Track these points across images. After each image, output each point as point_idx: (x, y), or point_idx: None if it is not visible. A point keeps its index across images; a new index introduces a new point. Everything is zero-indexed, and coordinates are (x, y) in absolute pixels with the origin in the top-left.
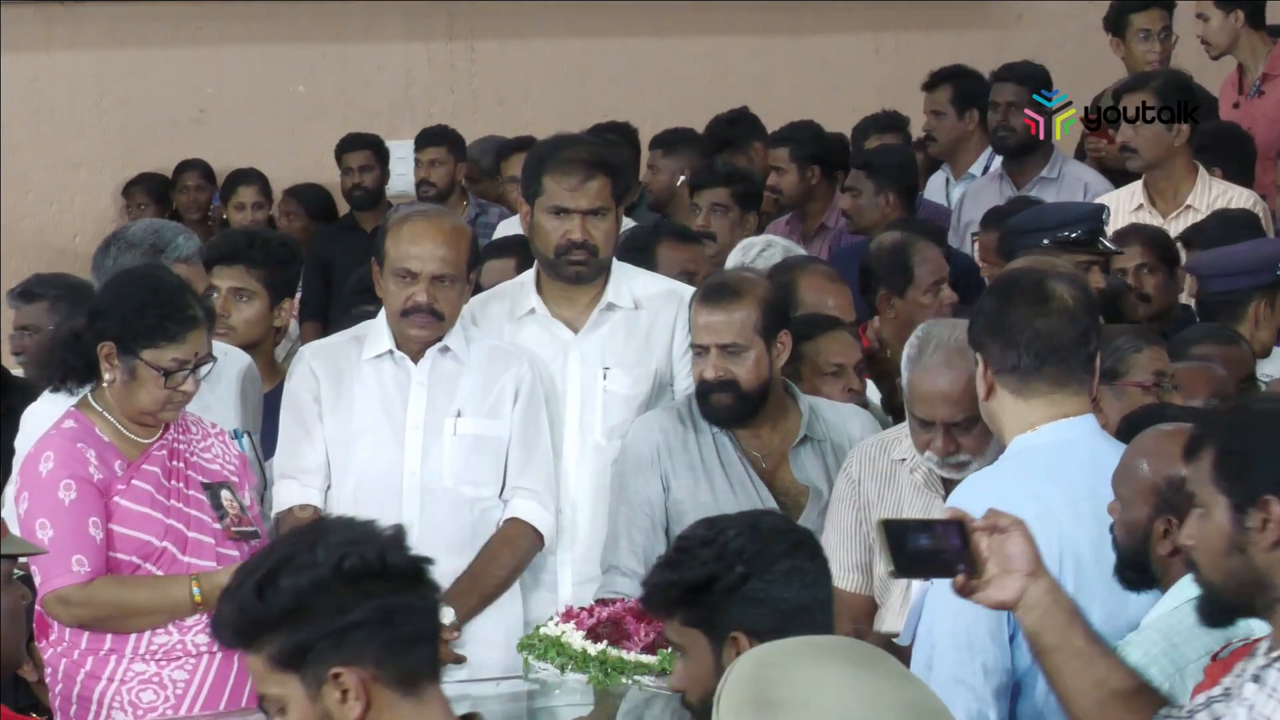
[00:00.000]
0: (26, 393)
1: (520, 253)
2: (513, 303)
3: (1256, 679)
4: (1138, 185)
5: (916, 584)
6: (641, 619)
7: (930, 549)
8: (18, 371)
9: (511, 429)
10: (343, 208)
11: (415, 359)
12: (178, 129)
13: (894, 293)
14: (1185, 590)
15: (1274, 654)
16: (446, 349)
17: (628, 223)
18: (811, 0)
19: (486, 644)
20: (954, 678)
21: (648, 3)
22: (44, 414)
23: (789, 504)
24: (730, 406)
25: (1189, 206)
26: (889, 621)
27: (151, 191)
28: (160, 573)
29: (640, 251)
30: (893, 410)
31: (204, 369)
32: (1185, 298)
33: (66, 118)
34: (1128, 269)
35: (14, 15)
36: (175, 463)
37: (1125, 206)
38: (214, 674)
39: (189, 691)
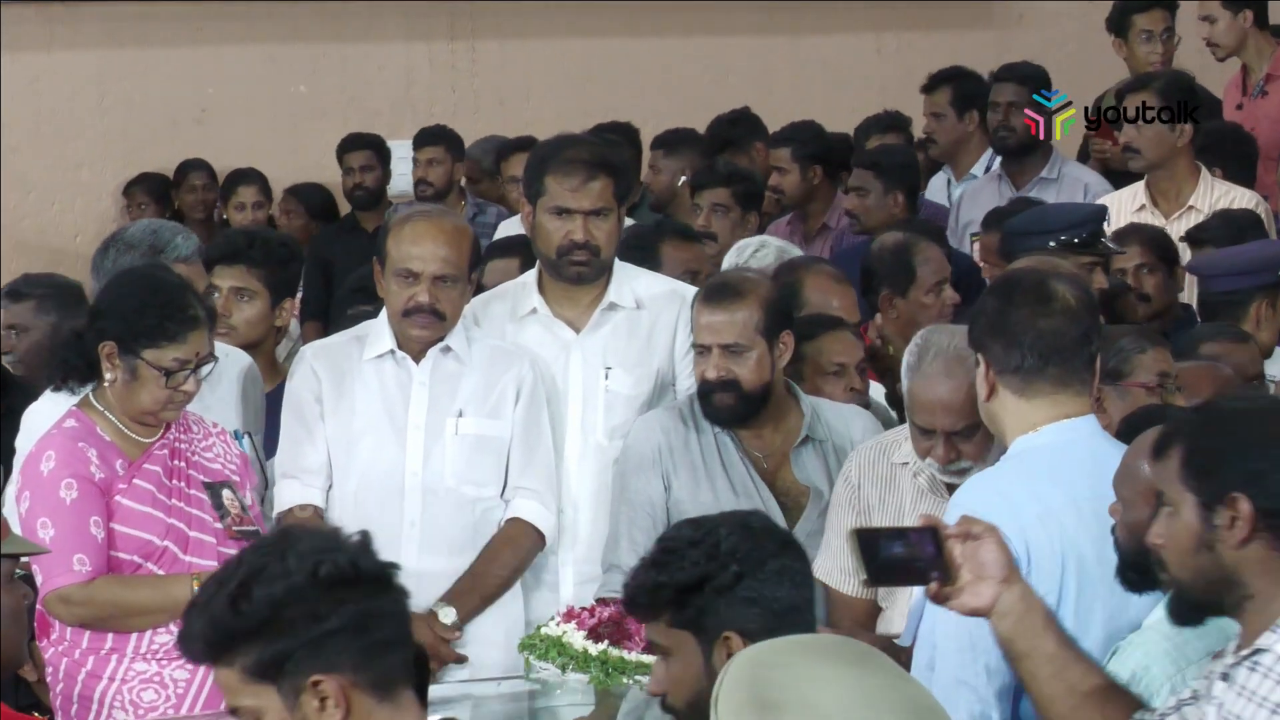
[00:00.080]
0: (27, 393)
1: (523, 253)
2: (514, 303)
3: (1225, 677)
4: (1139, 186)
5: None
6: None
7: (903, 557)
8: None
9: (513, 429)
10: (344, 207)
11: (417, 359)
12: (179, 129)
13: (896, 293)
14: None
15: (1243, 652)
16: (448, 349)
17: (629, 223)
18: (812, 0)
19: (487, 644)
20: (957, 679)
21: (649, 3)
22: (45, 414)
23: (790, 504)
24: (732, 406)
25: (1191, 207)
26: (896, 624)
27: (152, 191)
28: (161, 572)
29: (643, 251)
30: (896, 404)
31: (205, 369)
32: (1186, 298)
33: (67, 118)
34: (1127, 269)
35: (15, 15)
36: (177, 462)
37: (1127, 207)
38: None
39: (190, 691)
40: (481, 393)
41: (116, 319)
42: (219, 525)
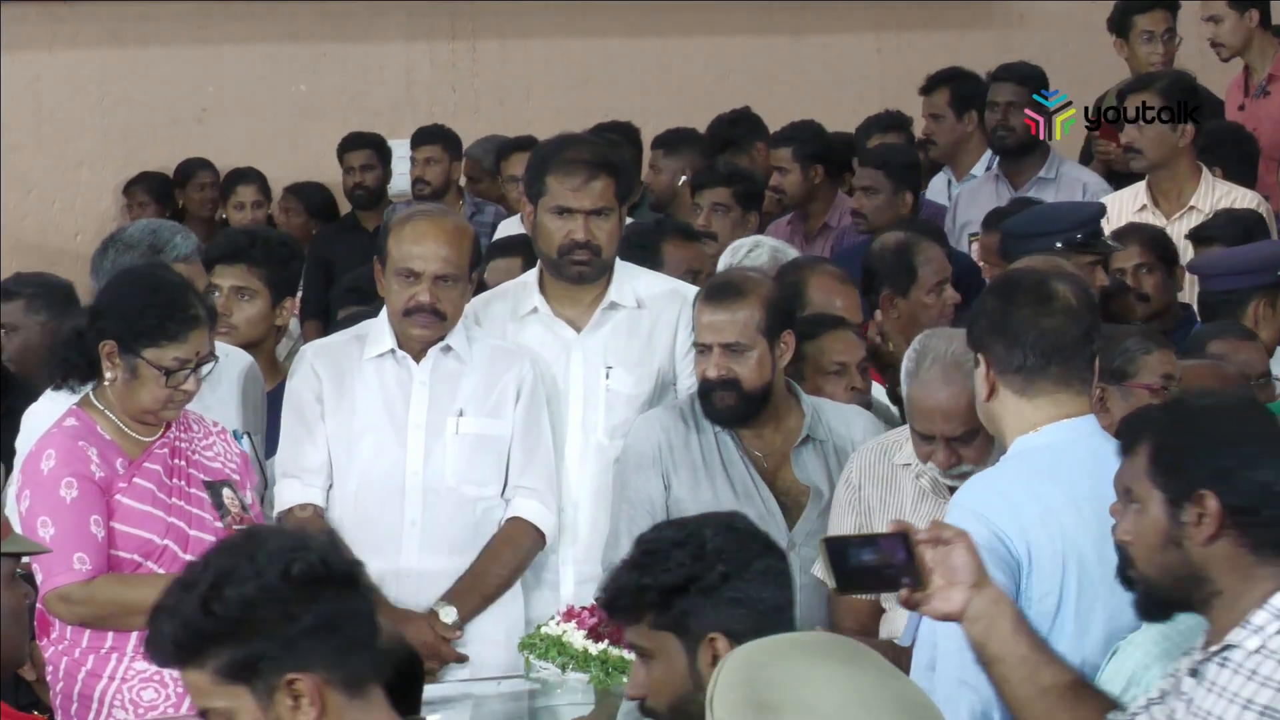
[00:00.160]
0: (27, 393)
1: (525, 252)
2: (515, 302)
3: (1194, 674)
4: (1140, 186)
5: None
6: None
7: (873, 564)
8: None
9: (513, 428)
10: (344, 207)
11: (417, 358)
12: (179, 128)
13: (897, 293)
14: None
15: (1213, 649)
16: (448, 348)
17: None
18: (813, 0)
19: (488, 643)
20: (958, 679)
21: (649, 3)
22: (45, 413)
23: (790, 504)
24: (732, 406)
25: (1192, 207)
26: (899, 625)
27: (153, 190)
28: (162, 571)
29: (644, 250)
30: (899, 400)
31: (205, 368)
32: (1187, 297)
33: (68, 117)
34: (1127, 268)
35: (16, 14)
36: (177, 461)
37: (1129, 207)
38: None
39: None
40: (482, 392)
41: (117, 318)
42: (219, 524)
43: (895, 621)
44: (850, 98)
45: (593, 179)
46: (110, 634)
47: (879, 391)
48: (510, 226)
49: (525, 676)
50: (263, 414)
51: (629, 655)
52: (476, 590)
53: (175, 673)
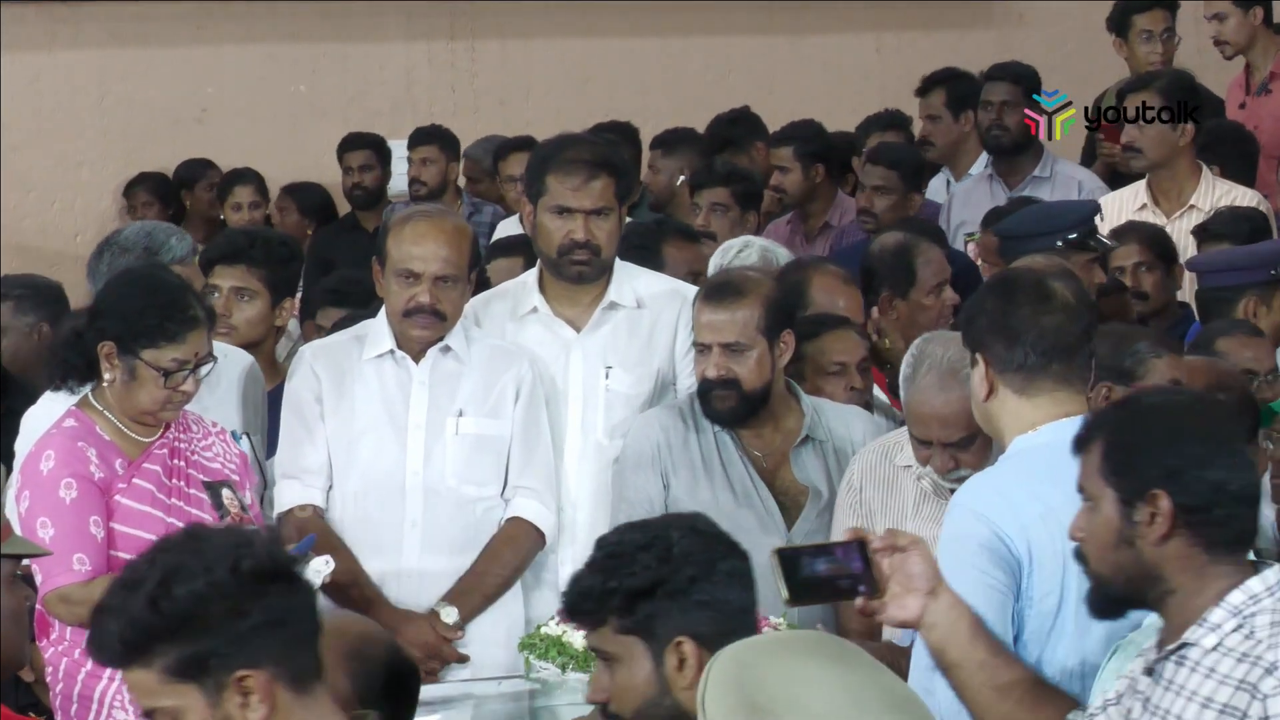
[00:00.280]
0: (26, 394)
1: (526, 252)
2: (515, 302)
3: (1150, 673)
4: (1141, 185)
5: None
6: None
7: (826, 574)
8: None
9: (513, 428)
10: (343, 207)
11: (416, 359)
12: (179, 128)
13: (897, 294)
14: None
15: (1169, 647)
16: (447, 349)
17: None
18: (813, 0)
19: (488, 643)
20: (924, 688)
21: (649, 3)
22: (44, 414)
23: (789, 504)
24: (732, 406)
25: (1192, 206)
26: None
27: (156, 190)
28: None
29: (644, 250)
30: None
31: (204, 369)
32: (1186, 296)
33: (68, 117)
34: (1126, 267)
35: (16, 14)
36: (176, 461)
37: (1129, 206)
38: None
39: None
40: (481, 392)
41: (116, 319)
42: (219, 525)
43: None
44: (850, 97)
45: (593, 179)
46: None
47: (879, 390)
48: (508, 227)
49: (525, 677)
50: (263, 414)
51: None
52: (477, 590)
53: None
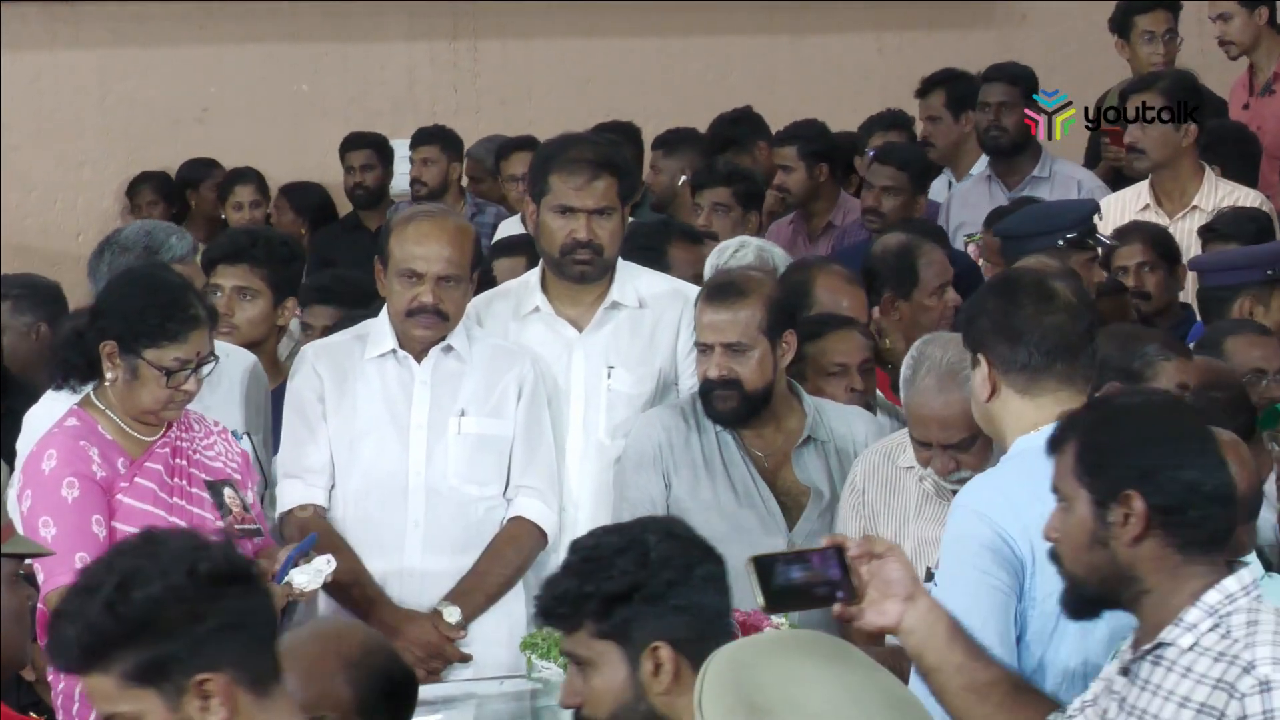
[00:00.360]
0: (28, 393)
1: (529, 251)
2: (517, 301)
3: (1125, 672)
4: (1143, 185)
5: None
6: None
7: (802, 581)
8: None
9: (515, 428)
10: (345, 206)
11: (418, 358)
12: (181, 128)
13: (899, 295)
14: None
15: (1145, 647)
16: (449, 348)
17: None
18: (814, 0)
19: (490, 643)
20: None
21: (651, 3)
22: (46, 413)
23: (790, 504)
24: (733, 406)
25: (1195, 207)
26: None
27: (160, 190)
28: None
29: (648, 250)
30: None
31: (206, 368)
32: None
33: (69, 116)
34: (1129, 266)
35: (17, 13)
36: (178, 460)
37: (1131, 206)
38: None
39: None
40: (483, 392)
41: (118, 318)
42: (220, 524)
43: None
44: (851, 97)
45: (596, 178)
46: None
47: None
48: (510, 226)
49: (527, 676)
50: (267, 414)
51: None
52: (479, 590)
53: None
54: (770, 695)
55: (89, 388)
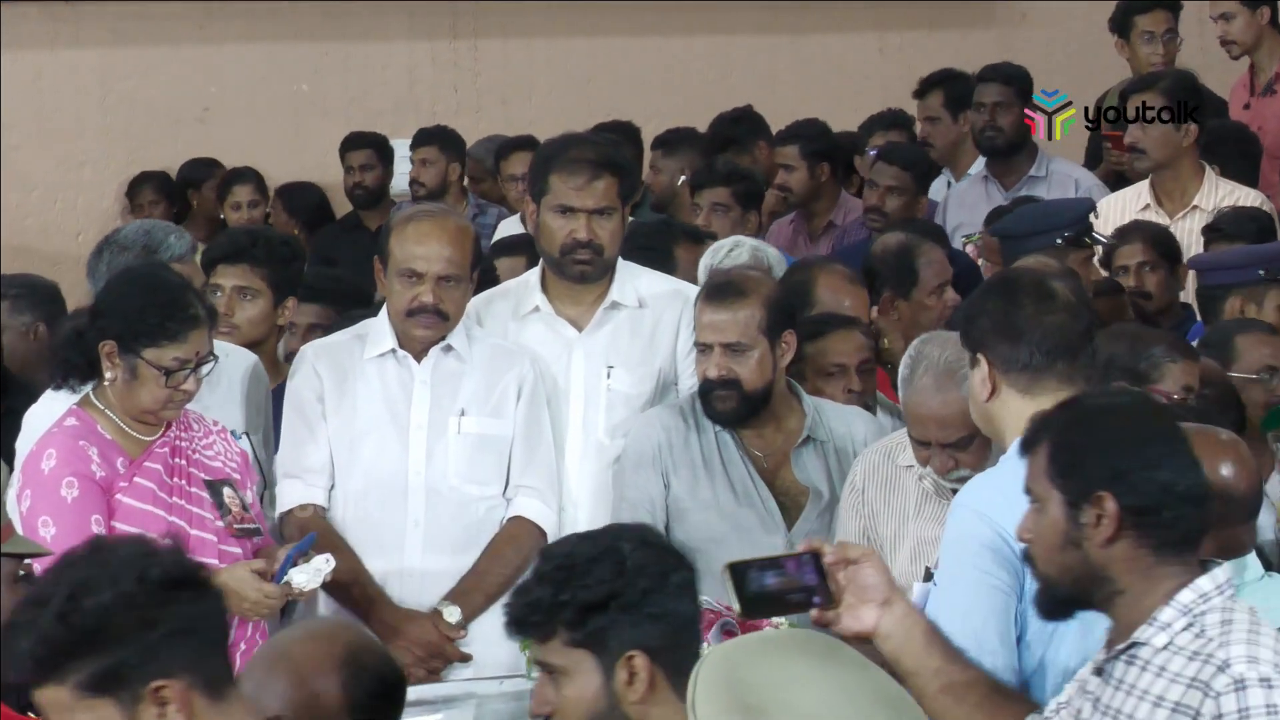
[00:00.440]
0: (27, 393)
1: (529, 251)
2: (517, 301)
3: (1100, 672)
4: (1144, 185)
5: (918, 586)
6: None
7: (777, 587)
8: None
9: (515, 428)
10: (345, 206)
11: (418, 358)
12: (181, 127)
13: (898, 294)
14: None
15: (1119, 647)
16: (449, 348)
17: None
18: (815, 0)
19: (490, 642)
20: None
21: (651, 2)
22: (46, 413)
23: (789, 504)
24: (733, 406)
25: (1196, 207)
26: None
27: (161, 189)
28: None
29: (650, 251)
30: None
31: (205, 368)
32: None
33: (70, 116)
34: (1129, 266)
35: (17, 13)
36: (178, 460)
37: (1132, 206)
38: None
39: None
40: (483, 392)
41: (117, 318)
42: (220, 523)
43: None
44: (852, 97)
45: (596, 178)
46: None
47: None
48: (510, 226)
49: (527, 676)
50: (267, 413)
51: None
52: (479, 590)
53: None
54: (764, 695)
55: (88, 387)
